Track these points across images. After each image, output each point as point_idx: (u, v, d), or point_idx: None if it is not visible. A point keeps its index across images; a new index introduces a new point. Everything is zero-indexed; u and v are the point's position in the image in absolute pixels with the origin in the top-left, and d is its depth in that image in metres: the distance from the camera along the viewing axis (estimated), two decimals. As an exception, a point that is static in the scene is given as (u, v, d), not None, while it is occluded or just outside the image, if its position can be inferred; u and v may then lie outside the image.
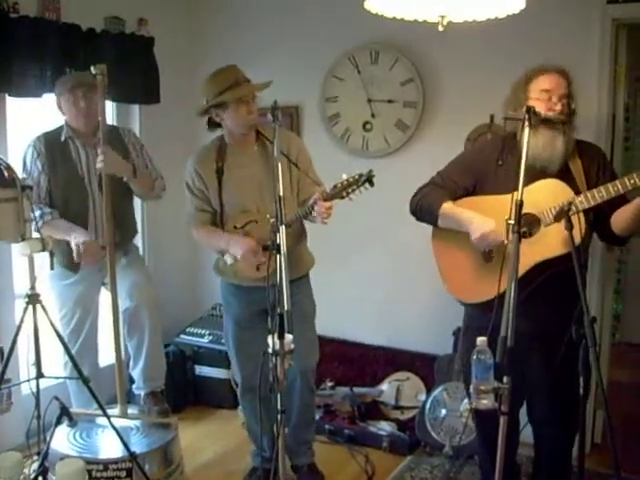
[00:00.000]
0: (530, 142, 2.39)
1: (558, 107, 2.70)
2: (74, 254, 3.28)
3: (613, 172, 2.86)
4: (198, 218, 3.27)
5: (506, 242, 2.36)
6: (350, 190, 2.81)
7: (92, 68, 3.21)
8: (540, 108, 2.59)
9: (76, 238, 3.29)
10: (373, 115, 4.29)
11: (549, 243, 2.63)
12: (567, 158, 2.74)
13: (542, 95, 2.72)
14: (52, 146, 3.45)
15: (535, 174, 2.64)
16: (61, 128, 3.49)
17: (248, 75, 3.18)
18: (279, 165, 2.60)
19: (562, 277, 2.46)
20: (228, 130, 3.19)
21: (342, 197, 2.85)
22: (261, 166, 3.16)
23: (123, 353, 3.57)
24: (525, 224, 2.35)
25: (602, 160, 2.85)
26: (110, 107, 4.43)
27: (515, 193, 2.30)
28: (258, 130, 3.21)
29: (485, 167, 2.88)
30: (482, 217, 2.75)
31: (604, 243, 3.69)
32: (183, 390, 4.50)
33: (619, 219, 2.68)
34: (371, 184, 2.79)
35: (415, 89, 4.15)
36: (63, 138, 3.46)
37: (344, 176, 2.83)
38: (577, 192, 2.66)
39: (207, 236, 3.27)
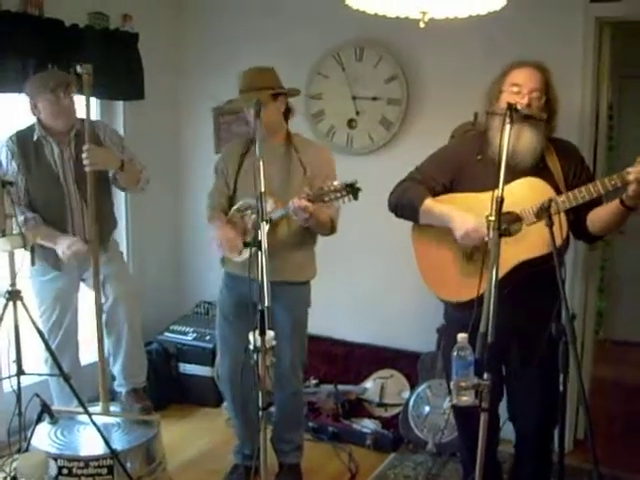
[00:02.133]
0: (497, 138, 2.41)
1: (524, 101, 2.68)
2: (63, 259, 3.31)
3: (590, 173, 2.87)
4: (216, 199, 3.39)
5: (486, 239, 2.36)
6: (333, 197, 2.84)
7: (78, 67, 3.19)
8: (509, 102, 2.56)
9: (61, 246, 3.31)
10: (357, 112, 4.29)
11: (531, 243, 2.63)
12: (534, 154, 2.72)
13: (512, 88, 2.72)
14: (25, 145, 3.41)
15: (510, 169, 2.62)
16: (33, 127, 3.44)
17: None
18: (260, 163, 2.59)
19: (543, 275, 2.46)
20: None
21: (324, 201, 2.88)
22: (277, 166, 3.19)
23: (106, 350, 3.55)
24: (506, 222, 2.35)
25: (580, 161, 2.85)
26: (94, 103, 4.39)
27: (495, 190, 2.30)
28: (289, 134, 3.29)
29: (464, 162, 2.87)
30: (464, 213, 2.74)
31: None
32: (167, 388, 4.47)
33: (596, 219, 2.69)
34: (355, 197, 2.80)
35: (399, 86, 4.15)
36: (35, 137, 3.42)
37: (335, 183, 2.85)
38: (555, 188, 2.66)
39: (209, 221, 3.39)
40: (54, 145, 3.44)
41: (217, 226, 3.28)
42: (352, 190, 2.79)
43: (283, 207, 3.02)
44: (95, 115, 4.41)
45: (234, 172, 3.30)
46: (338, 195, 2.82)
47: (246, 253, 3.12)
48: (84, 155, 3.26)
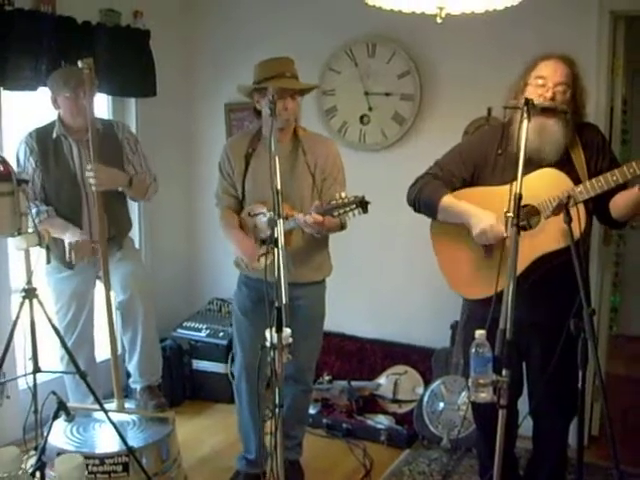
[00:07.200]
0: (521, 131, 2.36)
1: (548, 94, 2.65)
2: (66, 253, 3.29)
3: (612, 156, 2.83)
4: (224, 201, 3.34)
5: (506, 236, 2.34)
6: (342, 211, 2.81)
7: (79, 62, 3.18)
8: (533, 95, 2.57)
9: (69, 237, 3.30)
10: (370, 108, 4.28)
11: (550, 236, 2.60)
12: (559, 148, 2.69)
13: (537, 81, 2.69)
14: (44, 142, 3.42)
15: (534, 164, 2.61)
16: (52, 124, 3.44)
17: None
18: (276, 159, 2.56)
19: (564, 267, 2.42)
20: (265, 120, 3.18)
21: (333, 216, 2.85)
22: (286, 165, 3.13)
23: (120, 347, 3.56)
24: (525, 216, 2.33)
25: (601, 145, 2.81)
26: (106, 100, 4.41)
27: (514, 184, 2.28)
28: (297, 130, 3.22)
29: (485, 157, 2.85)
30: (482, 211, 2.71)
31: (601, 235, 3.71)
32: (181, 384, 4.50)
33: (617, 205, 2.67)
34: (364, 210, 2.78)
35: (412, 82, 4.13)
36: (55, 135, 3.42)
37: (343, 194, 2.83)
38: (577, 181, 2.63)
39: (224, 227, 3.33)
40: (73, 144, 3.44)
41: (235, 237, 3.24)
42: (362, 204, 2.77)
43: (292, 219, 2.97)
44: (107, 112, 4.43)
45: (240, 174, 3.23)
46: (347, 209, 2.79)
47: (266, 259, 3.11)
48: (90, 174, 3.26)
